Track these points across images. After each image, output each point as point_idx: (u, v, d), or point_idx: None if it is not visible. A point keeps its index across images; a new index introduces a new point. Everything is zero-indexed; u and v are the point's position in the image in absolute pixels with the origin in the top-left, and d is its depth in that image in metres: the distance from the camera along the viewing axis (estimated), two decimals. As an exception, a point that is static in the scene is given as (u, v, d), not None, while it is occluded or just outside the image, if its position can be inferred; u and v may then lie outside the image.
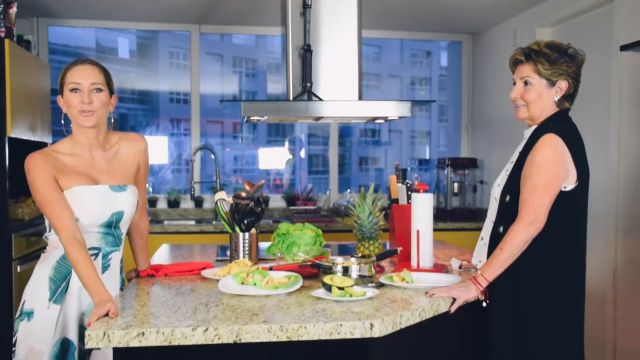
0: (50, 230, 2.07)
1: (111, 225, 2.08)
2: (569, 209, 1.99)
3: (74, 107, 2.03)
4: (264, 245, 2.74)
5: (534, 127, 2.08)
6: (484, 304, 2.02)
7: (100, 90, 2.05)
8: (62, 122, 2.12)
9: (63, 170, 2.01)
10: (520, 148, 2.10)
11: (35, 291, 2.00)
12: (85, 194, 2.01)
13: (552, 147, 1.95)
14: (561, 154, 1.95)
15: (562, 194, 1.97)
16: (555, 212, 1.95)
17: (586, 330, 2.05)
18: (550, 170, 1.93)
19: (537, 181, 1.93)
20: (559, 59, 2.00)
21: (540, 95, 2.04)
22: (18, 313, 2.03)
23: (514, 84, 2.11)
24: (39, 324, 1.97)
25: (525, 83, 2.06)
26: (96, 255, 2.07)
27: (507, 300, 2.01)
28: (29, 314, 1.99)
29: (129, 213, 2.12)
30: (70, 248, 1.89)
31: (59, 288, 2.00)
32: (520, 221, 1.93)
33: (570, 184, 1.98)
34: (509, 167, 2.12)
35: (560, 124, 2.02)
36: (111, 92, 2.11)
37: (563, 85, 2.03)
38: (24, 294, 2.04)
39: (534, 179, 1.94)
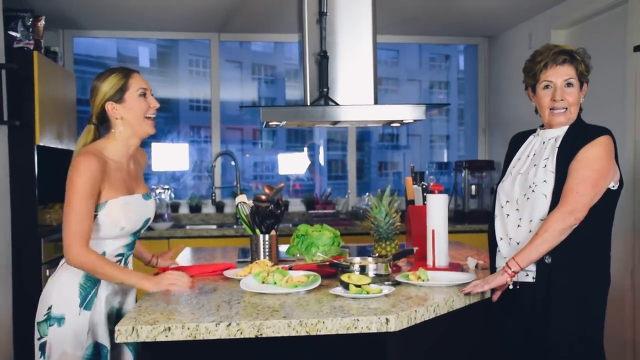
0: None
1: (139, 231, 2.17)
2: (613, 207, 2.03)
3: (143, 112, 2.06)
4: (283, 248, 2.82)
5: (564, 127, 2.06)
6: (510, 287, 1.99)
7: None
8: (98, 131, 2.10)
9: (110, 179, 2.03)
10: (547, 148, 2.08)
11: (65, 297, 2.01)
12: (130, 203, 2.08)
13: (608, 147, 1.97)
14: (612, 155, 1.99)
15: (610, 192, 1.99)
16: (604, 208, 1.98)
17: (605, 330, 2.06)
18: (604, 167, 1.94)
19: (588, 174, 1.93)
20: (589, 62, 2.06)
21: (579, 98, 2.06)
22: (43, 317, 2.02)
23: (546, 87, 2.04)
24: (71, 329, 2.00)
25: (568, 85, 2.03)
26: (120, 260, 2.13)
27: (536, 287, 2.01)
28: (59, 320, 2.00)
29: (152, 219, 2.23)
30: (92, 254, 1.95)
31: (89, 295, 2.03)
32: (560, 208, 1.92)
33: (616, 183, 2.02)
34: (547, 164, 2.04)
35: (601, 126, 2.03)
36: None
37: (585, 87, 2.09)
38: (49, 298, 2.03)
39: (585, 172, 1.93)
